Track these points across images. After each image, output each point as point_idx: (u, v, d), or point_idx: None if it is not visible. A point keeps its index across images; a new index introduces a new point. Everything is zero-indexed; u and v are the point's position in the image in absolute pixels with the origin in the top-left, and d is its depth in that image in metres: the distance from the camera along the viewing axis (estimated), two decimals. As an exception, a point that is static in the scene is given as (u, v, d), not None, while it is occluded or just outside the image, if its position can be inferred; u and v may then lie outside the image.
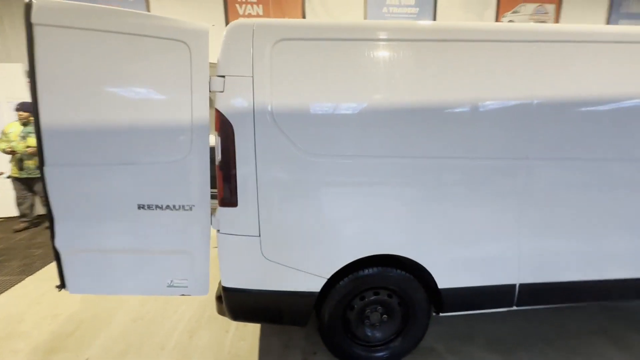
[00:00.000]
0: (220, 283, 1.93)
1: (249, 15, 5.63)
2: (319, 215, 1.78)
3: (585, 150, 1.86)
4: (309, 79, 1.66)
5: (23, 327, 2.52)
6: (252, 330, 2.43)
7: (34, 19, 1.55)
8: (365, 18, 5.87)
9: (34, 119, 1.63)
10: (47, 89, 1.62)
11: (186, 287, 1.94)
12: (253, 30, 1.61)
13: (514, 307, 2.06)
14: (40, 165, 1.69)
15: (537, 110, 1.77)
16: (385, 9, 5.87)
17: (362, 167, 1.75)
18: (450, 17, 6.02)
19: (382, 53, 1.68)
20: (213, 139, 1.73)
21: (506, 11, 6.19)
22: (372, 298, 1.97)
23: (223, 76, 1.63)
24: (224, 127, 1.66)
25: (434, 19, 6.00)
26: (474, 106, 1.75)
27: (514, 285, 1.99)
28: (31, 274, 3.38)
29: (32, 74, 1.60)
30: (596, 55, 1.78)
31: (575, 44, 1.76)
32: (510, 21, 6.25)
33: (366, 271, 1.88)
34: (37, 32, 1.56)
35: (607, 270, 2.04)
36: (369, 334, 2.02)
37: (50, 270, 3.48)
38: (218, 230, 1.81)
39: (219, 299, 1.99)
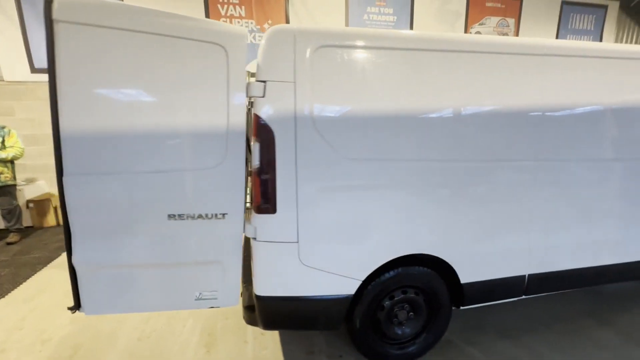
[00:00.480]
0: (243, 292, 1.89)
1: (231, 16, 5.50)
2: (355, 219, 1.81)
3: (582, 151, 2.09)
4: (347, 85, 1.69)
5: (10, 357, 2.23)
6: (271, 339, 2.39)
7: (55, 15, 1.41)
8: (346, 24, 6.01)
9: (53, 123, 1.48)
10: (69, 92, 1.48)
11: (216, 298, 1.86)
12: (294, 36, 1.61)
13: (523, 296, 2.26)
14: (59, 174, 1.53)
15: (541, 118, 1.97)
16: (365, 16, 6.06)
17: (397, 170, 1.81)
18: (425, 26, 6.37)
19: (412, 62, 1.77)
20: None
21: (474, 23, 6.69)
22: (401, 297, 2.04)
23: (264, 81, 1.60)
24: (264, 132, 1.63)
25: (411, 28, 6.31)
26: (493, 113, 1.90)
27: (524, 276, 2.17)
28: (1, 297, 3.00)
29: (51, 75, 1.45)
30: (575, 68, 2.00)
31: (554, 57, 1.96)
32: (477, 32, 6.77)
33: (396, 271, 1.95)
34: (59, 29, 1.43)
35: (596, 258, 2.30)
36: (399, 332, 2.08)
37: (25, 290, 3.11)
38: (254, 238, 1.76)
39: (248, 308, 1.94)
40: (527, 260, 2.15)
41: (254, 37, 5.64)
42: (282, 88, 1.61)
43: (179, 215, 1.68)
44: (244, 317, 1.98)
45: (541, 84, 1.95)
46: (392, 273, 1.94)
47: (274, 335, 2.42)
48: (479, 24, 6.73)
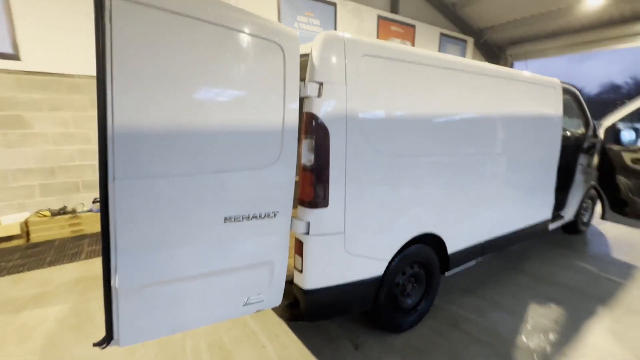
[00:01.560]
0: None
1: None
2: (387, 206, 2.07)
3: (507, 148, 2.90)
4: (382, 90, 1.95)
5: None
6: (287, 338, 2.39)
7: (111, -12, 1.19)
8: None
9: (100, 119, 1.23)
10: (124, 82, 1.26)
11: (262, 301, 1.82)
12: (344, 43, 1.76)
13: (480, 258, 2.95)
14: (104, 179, 1.27)
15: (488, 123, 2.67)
16: (296, 24, 6.33)
17: (417, 164, 2.17)
18: (346, 40, 7.06)
19: (433, 77, 2.17)
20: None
21: (383, 42, 7.79)
22: (410, 272, 2.40)
23: (321, 82, 1.70)
24: (320, 130, 1.73)
25: (335, 40, 6.90)
26: (480, 118, 2.48)
27: (481, 243, 2.85)
28: None
29: (101, 63, 1.21)
30: (499, 88, 2.78)
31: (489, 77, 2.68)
32: (385, 50, 7.90)
33: (409, 250, 2.30)
34: (116, 7, 1.21)
35: (511, 225, 3.18)
36: (408, 302, 2.44)
37: None
38: (306, 233, 1.81)
39: (291, 305, 1.96)
40: (483, 231, 2.83)
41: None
42: (336, 89, 1.74)
43: (235, 218, 1.60)
44: (284, 316, 1.98)
45: (480, 97, 2.61)
46: (406, 252, 2.28)
47: (288, 334, 2.44)
48: (387, 43, 7.88)
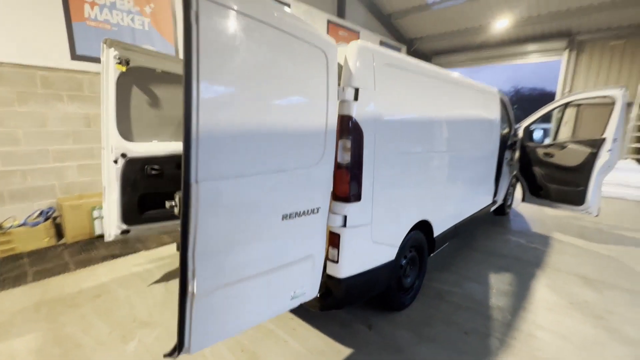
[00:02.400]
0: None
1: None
2: (401, 198, 2.35)
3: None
4: (396, 96, 2.20)
5: None
6: (304, 329, 2.50)
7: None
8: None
9: (185, 118, 1.20)
10: (209, 81, 1.24)
11: (304, 293, 1.92)
12: (372, 53, 1.96)
13: (452, 239, 3.47)
14: (187, 180, 1.23)
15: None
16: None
17: (421, 159, 2.50)
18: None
19: (430, 85, 2.51)
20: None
21: (332, 45, 8.14)
22: (410, 255, 2.73)
23: (357, 88, 1.87)
24: (356, 131, 1.90)
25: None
26: (460, 121, 2.94)
27: (455, 225, 3.36)
28: None
29: (189, 64, 1.18)
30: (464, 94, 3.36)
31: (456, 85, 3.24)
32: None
33: (410, 235, 2.62)
34: (203, 8, 1.19)
35: (473, 208, 3.82)
36: (408, 281, 2.76)
37: None
38: (342, 226, 1.96)
39: (323, 295, 2.08)
40: (456, 215, 3.34)
41: (132, 20, 4.68)
42: (368, 94, 1.93)
43: (290, 215, 1.67)
44: (315, 307, 2.09)
45: (459, 104, 3.12)
46: (408, 237, 2.60)
47: (304, 326, 2.54)
48: (335, 47, 8.26)
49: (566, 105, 6.82)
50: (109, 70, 2.48)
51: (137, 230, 2.83)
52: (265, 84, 1.48)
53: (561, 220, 5.43)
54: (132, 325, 2.50)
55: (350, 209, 1.97)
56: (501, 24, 8.78)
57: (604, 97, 4.17)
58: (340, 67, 1.88)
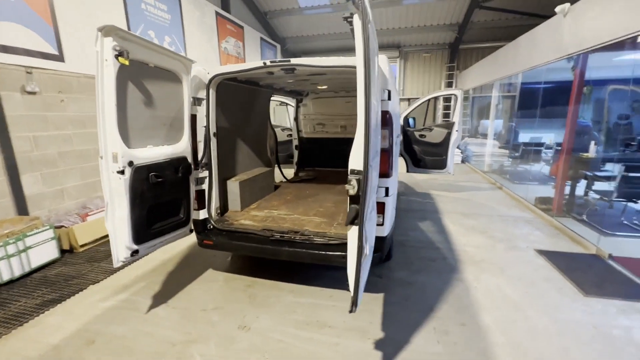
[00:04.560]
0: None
1: None
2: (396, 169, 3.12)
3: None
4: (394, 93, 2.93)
5: None
6: (341, 294, 2.96)
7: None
8: (125, 13, 5.08)
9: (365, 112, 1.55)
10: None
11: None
12: (388, 61, 2.60)
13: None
14: (366, 162, 1.59)
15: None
16: (143, 5, 5.45)
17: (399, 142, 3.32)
18: (192, 34, 6.74)
19: None
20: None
21: (222, 39, 7.94)
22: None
23: (389, 90, 2.47)
24: (390, 123, 2.52)
25: (182, 33, 6.44)
26: None
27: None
28: None
29: (367, 70, 1.53)
30: None
31: None
32: (225, 48, 8.08)
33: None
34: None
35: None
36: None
37: None
38: (387, 195, 2.57)
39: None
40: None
41: None
42: (392, 94, 2.57)
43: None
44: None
45: None
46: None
47: (340, 291, 3.00)
48: (225, 41, 8.09)
49: (430, 100, 9.31)
50: (108, 64, 2.06)
51: (144, 249, 2.45)
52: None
53: (427, 182, 7.64)
54: (174, 350, 2.30)
55: (388, 182, 2.59)
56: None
57: (450, 94, 6.23)
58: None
